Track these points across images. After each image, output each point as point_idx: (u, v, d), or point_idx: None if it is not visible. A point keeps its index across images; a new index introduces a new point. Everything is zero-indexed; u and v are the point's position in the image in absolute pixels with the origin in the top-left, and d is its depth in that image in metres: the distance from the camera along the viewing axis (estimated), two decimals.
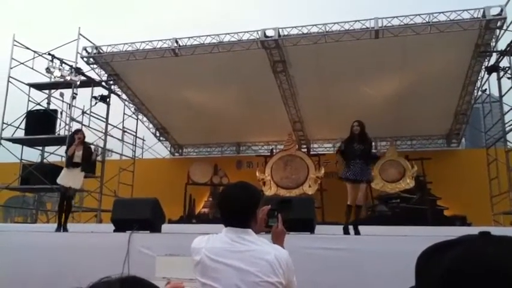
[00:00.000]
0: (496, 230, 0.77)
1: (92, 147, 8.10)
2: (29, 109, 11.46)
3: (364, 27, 9.48)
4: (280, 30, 9.95)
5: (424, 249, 0.76)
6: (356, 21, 9.57)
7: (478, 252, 0.68)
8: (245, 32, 10.15)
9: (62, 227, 6.68)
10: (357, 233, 5.81)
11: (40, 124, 11.10)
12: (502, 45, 9.70)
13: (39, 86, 11.96)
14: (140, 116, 14.12)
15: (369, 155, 6.35)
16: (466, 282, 0.66)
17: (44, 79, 11.52)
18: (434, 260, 0.72)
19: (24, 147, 11.71)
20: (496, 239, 0.70)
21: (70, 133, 10.97)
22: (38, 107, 11.63)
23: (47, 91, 12.21)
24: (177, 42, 10.50)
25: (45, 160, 12.11)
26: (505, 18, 8.89)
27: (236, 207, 2.04)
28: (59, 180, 7.39)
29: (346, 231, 5.84)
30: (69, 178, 7.39)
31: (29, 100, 11.54)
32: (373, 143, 14.14)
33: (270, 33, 9.98)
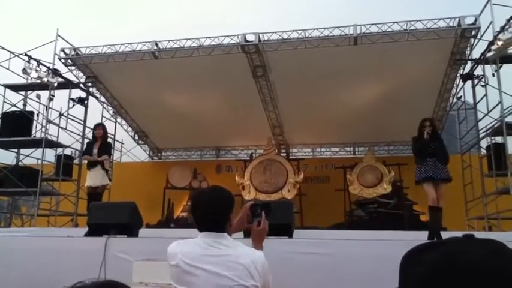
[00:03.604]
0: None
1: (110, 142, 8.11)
2: (4, 111, 11.22)
3: (343, 33, 9.59)
4: (260, 35, 9.98)
5: (408, 250, 0.78)
6: (335, 27, 9.67)
7: (461, 252, 0.71)
8: (225, 36, 10.15)
9: None
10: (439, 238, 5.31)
11: (15, 126, 10.86)
12: (476, 53, 9.97)
13: (15, 87, 11.71)
14: (119, 119, 13.96)
15: (442, 152, 5.95)
16: (448, 281, 0.68)
17: (21, 80, 11.30)
18: (418, 260, 0.74)
19: None
20: (479, 241, 0.73)
21: (45, 135, 10.86)
22: (14, 109, 11.40)
23: (23, 92, 11.98)
24: (157, 45, 10.42)
25: (20, 163, 11.85)
26: (479, 28, 9.11)
27: (209, 211, 2.04)
28: (86, 184, 7.53)
29: (431, 236, 5.40)
30: (93, 177, 7.47)
31: (4, 101, 11.30)
32: (353, 148, 14.47)
33: (250, 37, 9.99)
